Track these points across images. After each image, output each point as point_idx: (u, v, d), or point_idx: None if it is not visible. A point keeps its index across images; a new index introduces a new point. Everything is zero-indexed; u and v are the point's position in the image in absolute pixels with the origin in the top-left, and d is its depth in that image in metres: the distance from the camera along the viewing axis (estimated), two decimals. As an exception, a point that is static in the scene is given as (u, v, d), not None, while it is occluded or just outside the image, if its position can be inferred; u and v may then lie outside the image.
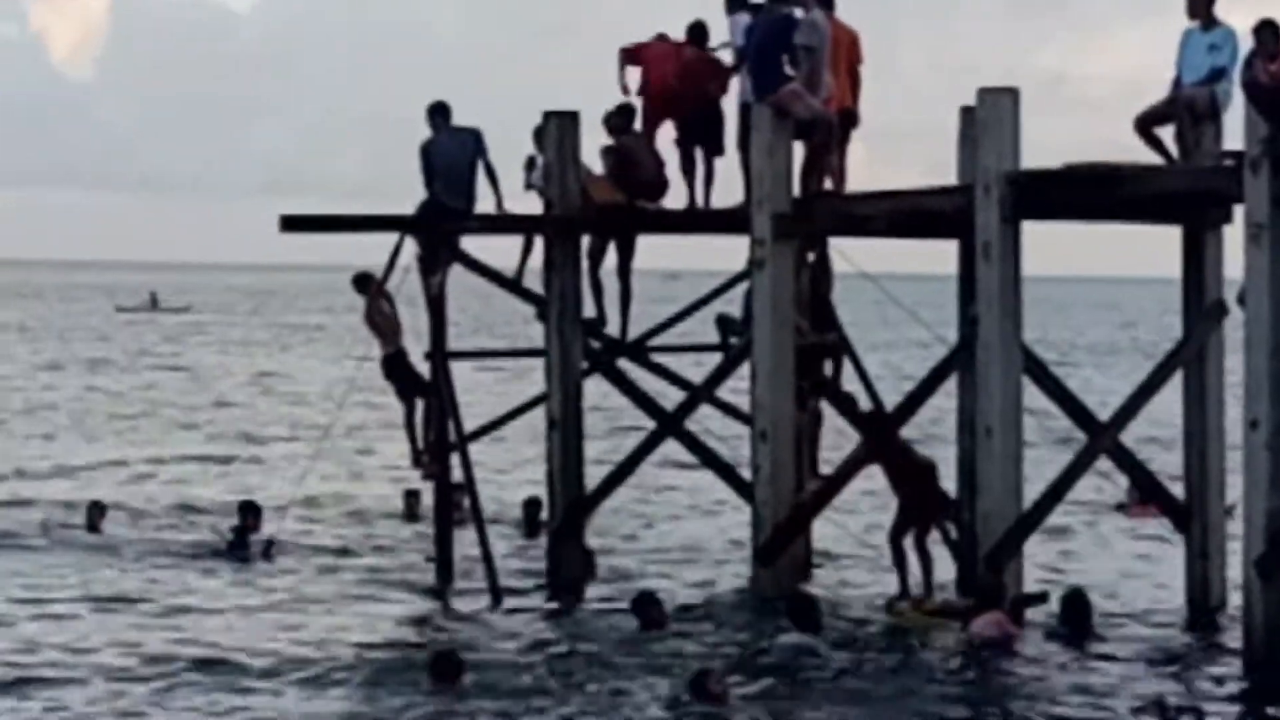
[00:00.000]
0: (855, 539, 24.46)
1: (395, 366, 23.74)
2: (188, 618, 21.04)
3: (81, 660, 18.37)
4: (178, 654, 19.31)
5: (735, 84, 22.47)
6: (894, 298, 23.99)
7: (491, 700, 17.39)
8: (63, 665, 18.26)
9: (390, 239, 23.55)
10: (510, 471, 32.09)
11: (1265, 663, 17.65)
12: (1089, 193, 19.87)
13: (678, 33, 23.39)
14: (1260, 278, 17.71)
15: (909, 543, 21.41)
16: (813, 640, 17.76)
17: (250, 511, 26.22)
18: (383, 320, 23.84)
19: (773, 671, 18.38)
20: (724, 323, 24.60)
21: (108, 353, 79.97)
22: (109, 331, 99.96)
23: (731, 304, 24.69)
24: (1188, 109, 19.18)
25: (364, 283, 23.62)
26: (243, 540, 25.48)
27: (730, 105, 22.80)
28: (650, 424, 23.89)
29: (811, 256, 22.62)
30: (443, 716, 17.30)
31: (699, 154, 22.94)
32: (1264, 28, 18.33)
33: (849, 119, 21.57)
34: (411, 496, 28.62)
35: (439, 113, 23.08)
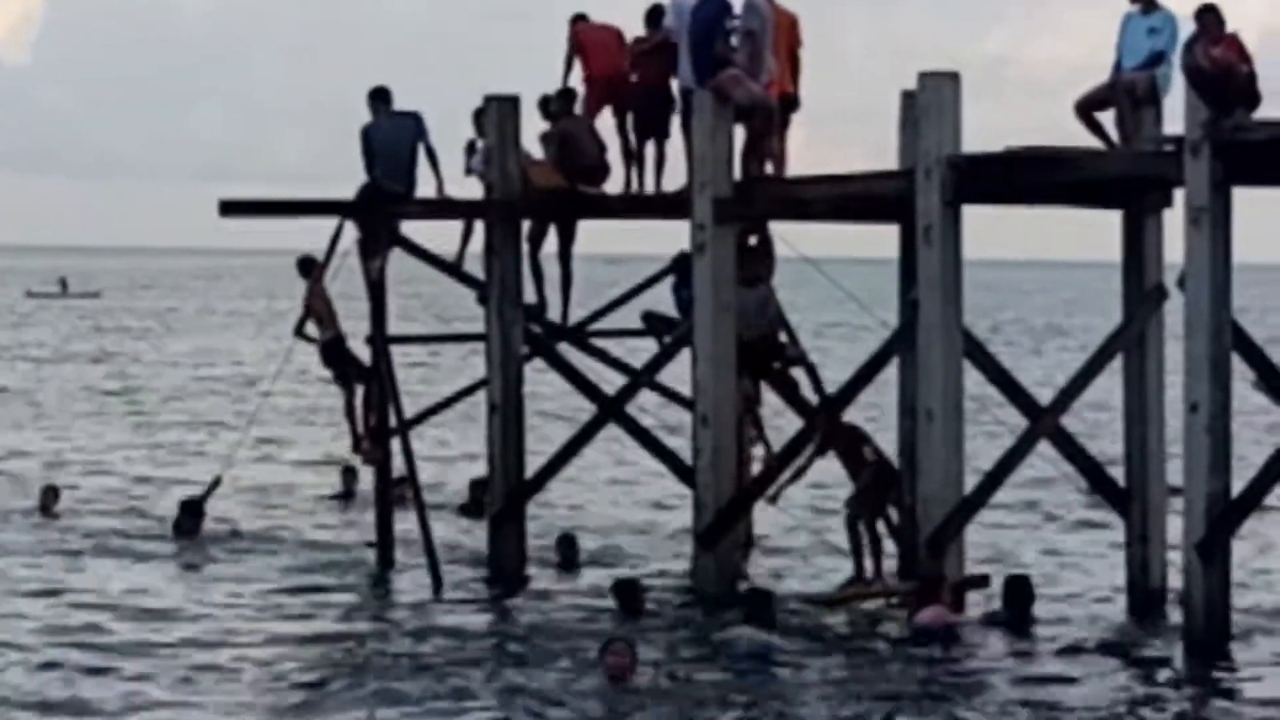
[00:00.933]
0: (794, 523, 24.57)
1: (334, 352, 23.82)
2: (132, 604, 20.92)
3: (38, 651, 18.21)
4: (116, 642, 19.10)
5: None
6: (835, 281, 23.70)
7: (416, 691, 17.25)
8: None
9: (331, 223, 23.71)
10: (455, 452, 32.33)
11: (1205, 645, 17.86)
12: (1030, 176, 20.07)
13: (631, 14, 23.62)
14: (1200, 262, 17.94)
15: (863, 526, 21.59)
16: (768, 637, 17.90)
17: (189, 509, 26.07)
18: (322, 305, 23.91)
19: (726, 664, 18.41)
20: (649, 319, 24.86)
21: (19, 337, 79.89)
22: (19, 317, 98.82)
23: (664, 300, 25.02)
24: (1127, 93, 19.33)
25: (307, 266, 23.71)
26: (189, 527, 25.46)
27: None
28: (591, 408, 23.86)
29: (753, 240, 22.71)
30: (380, 703, 17.11)
31: (650, 140, 23.10)
32: (1206, 12, 18.46)
33: (789, 103, 21.69)
34: (349, 473, 28.69)
35: (379, 97, 23.19)
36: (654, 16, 22.69)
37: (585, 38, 23.04)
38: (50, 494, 28.05)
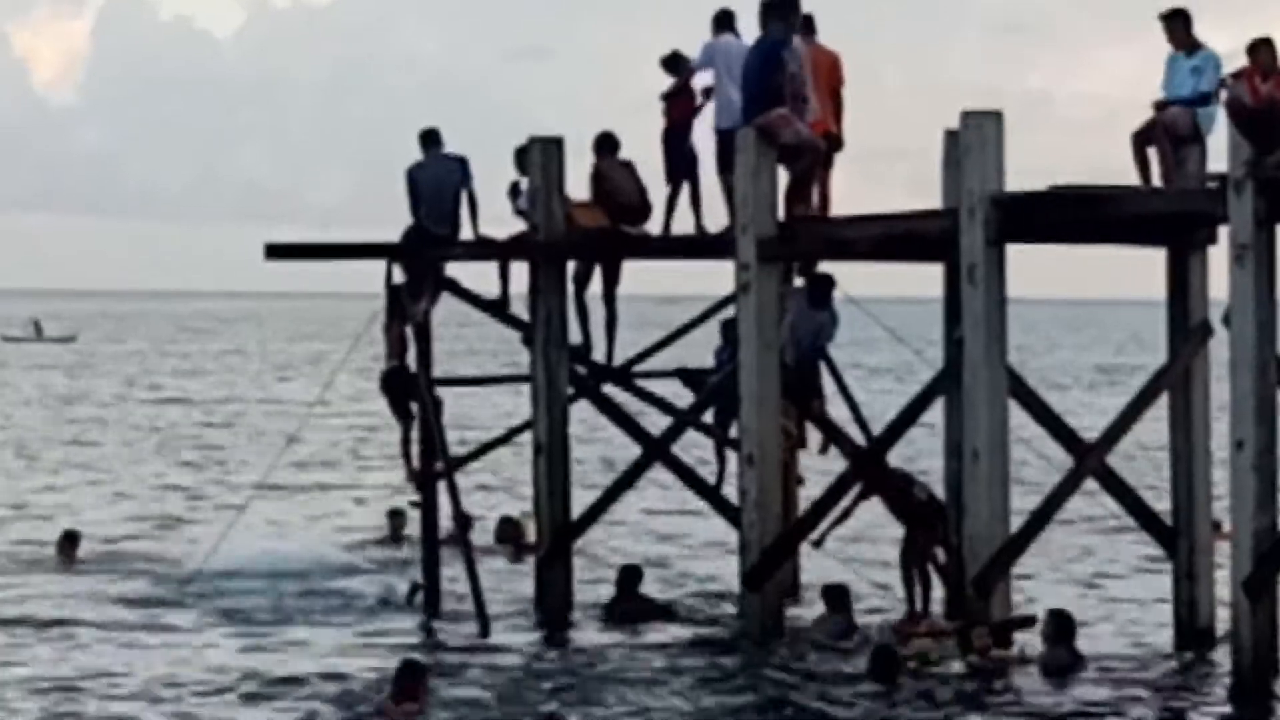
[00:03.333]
0: (838, 565, 24.21)
1: (392, 382, 23.73)
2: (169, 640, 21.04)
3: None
4: (168, 674, 19.22)
5: (709, 110, 22.50)
6: (880, 321, 24.13)
7: None
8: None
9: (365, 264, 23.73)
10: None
11: (1254, 683, 17.67)
12: (1074, 215, 19.96)
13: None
14: (1245, 298, 17.79)
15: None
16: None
17: None
18: (394, 337, 23.74)
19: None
20: (683, 375, 24.83)
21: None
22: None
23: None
24: (1168, 132, 19.22)
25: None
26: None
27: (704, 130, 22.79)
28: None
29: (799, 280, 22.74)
30: None
31: (682, 181, 23.05)
32: (1261, 45, 18.46)
33: (832, 142, 21.60)
34: (396, 517, 28.64)
35: (429, 139, 23.26)
36: (672, 63, 22.75)
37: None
38: (68, 541, 27.54)
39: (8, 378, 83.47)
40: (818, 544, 22.42)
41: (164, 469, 44.48)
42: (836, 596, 21.66)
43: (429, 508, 23.26)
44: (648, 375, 24.74)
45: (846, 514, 22.14)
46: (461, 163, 23.16)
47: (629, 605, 23.09)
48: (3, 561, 28.71)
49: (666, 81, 23.03)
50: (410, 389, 23.91)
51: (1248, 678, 17.65)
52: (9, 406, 64.37)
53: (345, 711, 18.38)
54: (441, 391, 24.03)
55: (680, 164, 22.92)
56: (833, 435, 22.80)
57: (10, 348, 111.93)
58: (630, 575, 23.68)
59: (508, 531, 27.39)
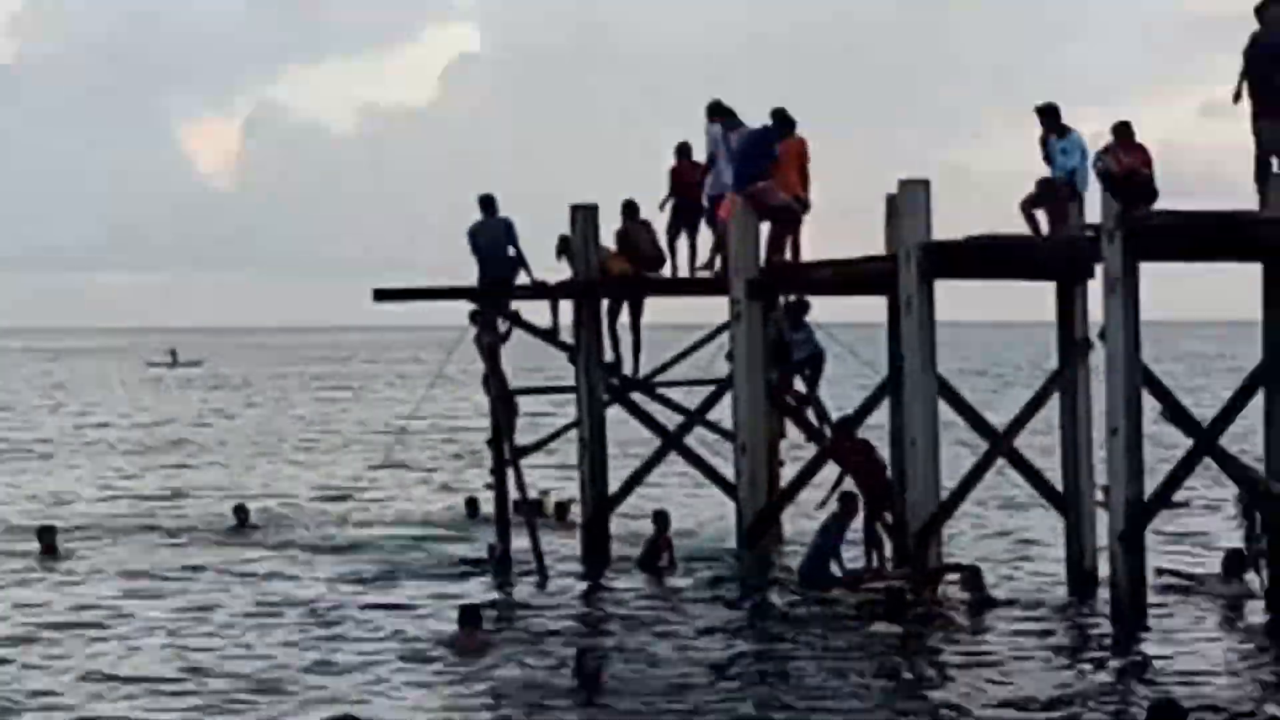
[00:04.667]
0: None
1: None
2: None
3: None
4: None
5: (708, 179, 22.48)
6: (838, 340, 24.03)
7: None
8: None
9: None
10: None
11: (1129, 610, 17.88)
12: (985, 258, 20.05)
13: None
14: (1116, 320, 17.88)
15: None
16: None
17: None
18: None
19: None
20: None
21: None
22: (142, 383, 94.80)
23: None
24: (1055, 194, 19.44)
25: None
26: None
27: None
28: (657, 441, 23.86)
29: (794, 297, 22.72)
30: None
31: (683, 235, 23.11)
32: (1122, 126, 18.76)
33: (803, 205, 21.55)
34: (471, 503, 28.38)
35: (484, 204, 22.98)
36: (683, 150, 22.86)
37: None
38: (242, 511, 27.14)
39: (154, 391, 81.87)
40: (820, 506, 22.07)
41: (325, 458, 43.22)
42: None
43: (500, 487, 23.21)
44: (665, 385, 24.79)
45: (835, 487, 21.75)
46: (507, 224, 22.94)
47: (654, 555, 22.81)
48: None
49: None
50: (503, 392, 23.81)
51: (1124, 607, 17.83)
52: (210, 414, 61.97)
53: (432, 639, 18.35)
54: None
55: (680, 223, 23.02)
56: (806, 428, 22.93)
57: (153, 371, 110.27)
58: (661, 517, 23.40)
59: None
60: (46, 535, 25.22)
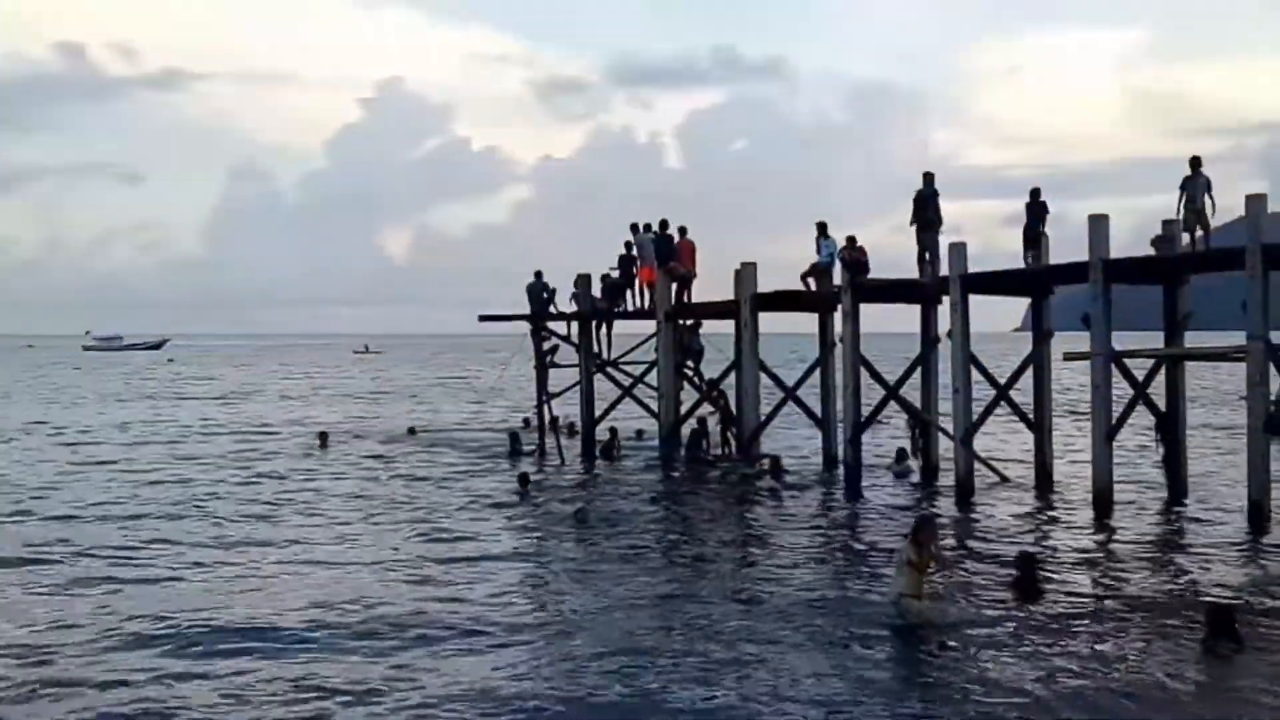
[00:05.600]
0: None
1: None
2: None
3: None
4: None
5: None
6: (713, 344, 24.20)
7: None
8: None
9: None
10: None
11: (964, 487, 18.01)
12: (782, 303, 21.32)
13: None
14: (848, 333, 19.12)
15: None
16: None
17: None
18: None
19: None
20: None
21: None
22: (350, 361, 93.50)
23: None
24: (820, 270, 20.73)
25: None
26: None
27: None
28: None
29: (689, 323, 23.25)
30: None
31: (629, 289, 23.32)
32: (850, 239, 19.80)
33: (691, 275, 22.73)
34: (523, 423, 28.42)
35: (537, 274, 24.32)
36: (628, 245, 23.29)
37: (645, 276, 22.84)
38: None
39: (358, 369, 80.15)
40: (700, 419, 22.81)
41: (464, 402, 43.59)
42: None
43: (541, 413, 24.55)
44: (624, 364, 25.22)
45: (717, 411, 22.48)
46: (547, 288, 23.97)
47: (610, 448, 23.21)
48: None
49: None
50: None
51: (965, 487, 18.15)
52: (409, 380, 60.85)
53: (505, 490, 19.19)
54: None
55: (625, 283, 23.54)
56: (693, 385, 23.78)
57: (355, 355, 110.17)
58: (613, 431, 24.05)
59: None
60: (323, 437, 27.97)
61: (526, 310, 24.49)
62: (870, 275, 19.60)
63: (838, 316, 19.68)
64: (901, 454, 21.65)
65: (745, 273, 21.11)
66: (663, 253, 22.34)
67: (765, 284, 21.01)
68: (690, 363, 23.38)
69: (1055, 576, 12.25)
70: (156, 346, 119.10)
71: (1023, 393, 19.46)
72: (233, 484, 20.91)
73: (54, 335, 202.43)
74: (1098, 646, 9.86)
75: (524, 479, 19.61)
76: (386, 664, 9.67)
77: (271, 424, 33.99)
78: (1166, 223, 17.30)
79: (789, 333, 23.80)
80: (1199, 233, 16.54)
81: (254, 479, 21.41)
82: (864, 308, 19.30)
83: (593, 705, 8.71)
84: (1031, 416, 19.18)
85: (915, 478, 20.29)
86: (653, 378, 24.11)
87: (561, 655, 9.87)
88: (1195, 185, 16.48)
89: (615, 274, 23.33)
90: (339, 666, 9.60)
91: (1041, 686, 8.84)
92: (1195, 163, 16.56)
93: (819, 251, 20.43)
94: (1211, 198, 16.41)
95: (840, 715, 8.42)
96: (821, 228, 20.46)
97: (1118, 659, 9.51)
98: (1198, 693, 8.76)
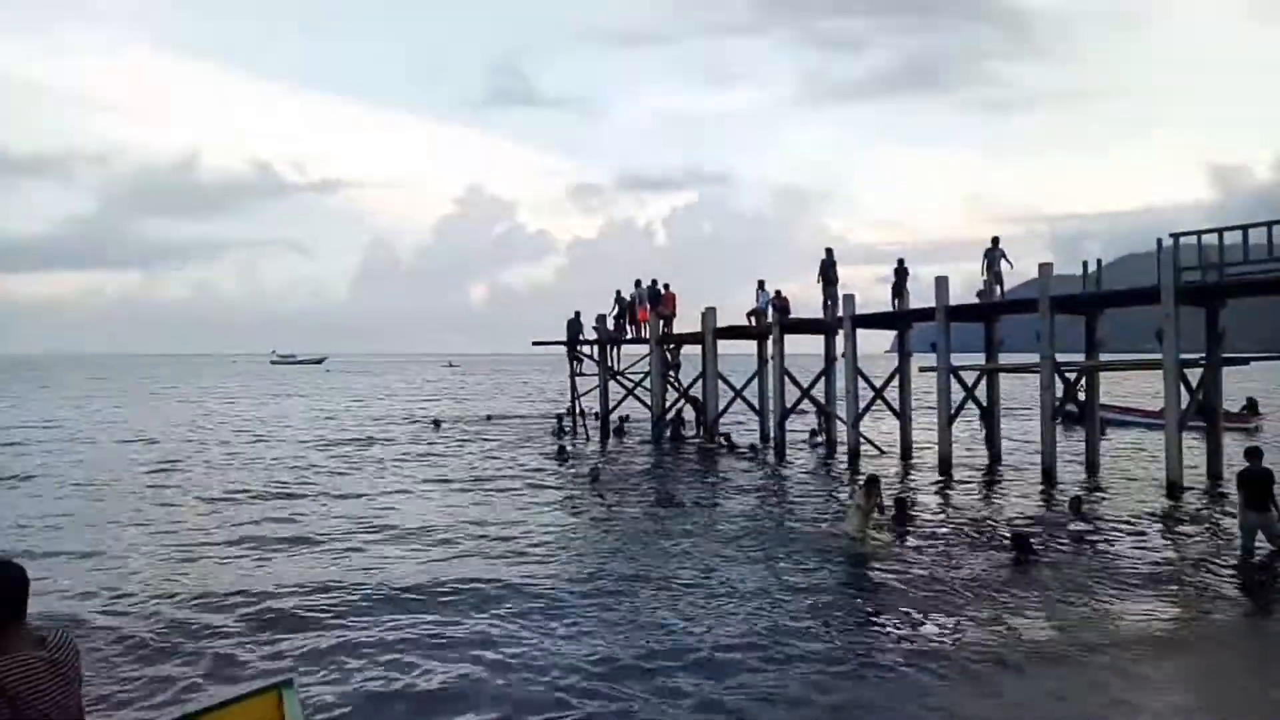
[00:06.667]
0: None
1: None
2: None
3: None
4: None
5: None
6: (690, 362, 23.12)
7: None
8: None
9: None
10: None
11: (853, 458, 17.36)
12: (734, 334, 20.52)
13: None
14: (775, 355, 18.57)
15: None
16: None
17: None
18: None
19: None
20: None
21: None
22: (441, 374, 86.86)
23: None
24: (758, 313, 20.11)
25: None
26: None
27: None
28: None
29: (671, 349, 22.28)
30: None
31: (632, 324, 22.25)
32: (778, 292, 18.85)
33: (673, 315, 22.04)
34: (558, 418, 25.02)
35: (577, 313, 23.22)
36: (618, 295, 22.29)
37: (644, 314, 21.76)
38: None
39: (441, 376, 74.99)
40: (680, 410, 21.50)
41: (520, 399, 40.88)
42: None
43: (573, 404, 23.46)
44: (628, 374, 23.72)
45: (690, 403, 21.51)
46: (578, 319, 23.06)
47: (620, 431, 21.92)
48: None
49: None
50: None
51: (854, 455, 17.62)
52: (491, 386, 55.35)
53: (548, 457, 18.48)
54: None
55: (626, 319, 22.49)
56: (674, 388, 22.59)
57: (442, 369, 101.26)
58: (623, 419, 23.17)
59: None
60: (436, 424, 25.06)
61: (564, 338, 23.94)
62: (791, 315, 19.57)
63: (770, 343, 19.67)
64: (813, 433, 21.34)
65: (708, 314, 20.77)
66: (654, 300, 22.13)
67: (723, 320, 20.59)
68: (673, 373, 22.82)
69: (915, 515, 12.24)
70: (319, 361, 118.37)
71: (892, 392, 18.76)
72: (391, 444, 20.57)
73: (251, 354, 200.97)
74: (944, 558, 10.16)
75: (561, 450, 19.58)
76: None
77: (399, 412, 32.44)
78: (986, 281, 17.26)
79: (738, 353, 22.70)
80: (995, 288, 16.63)
81: (398, 446, 20.79)
82: (787, 338, 19.21)
83: (596, 585, 9.16)
84: (898, 409, 18.54)
85: (822, 450, 19.73)
86: (648, 383, 23.02)
87: (571, 559, 10.21)
88: (994, 255, 16.53)
89: (613, 315, 22.68)
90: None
91: (910, 583, 9.27)
92: (995, 240, 16.69)
93: (758, 299, 20.33)
94: (1008, 261, 16.48)
95: (769, 599, 8.77)
96: (760, 284, 20.33)
97: (955, 565, 9.89)
98: (1007, 586, 9.18)
